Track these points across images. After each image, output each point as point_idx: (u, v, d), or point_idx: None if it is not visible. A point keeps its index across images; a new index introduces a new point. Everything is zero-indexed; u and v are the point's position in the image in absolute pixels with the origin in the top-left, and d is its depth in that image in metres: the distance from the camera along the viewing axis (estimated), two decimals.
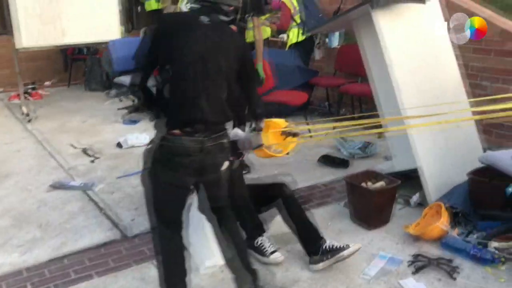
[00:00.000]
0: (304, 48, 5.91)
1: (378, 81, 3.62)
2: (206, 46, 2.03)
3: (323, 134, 4.54)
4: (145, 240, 2.96)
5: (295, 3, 5.83)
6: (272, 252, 2.70)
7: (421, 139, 3.22)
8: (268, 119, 2.75)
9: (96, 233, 3.08)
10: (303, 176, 3.96)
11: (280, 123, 2.74)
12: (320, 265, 2.62)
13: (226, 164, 2.19)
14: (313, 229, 2.74)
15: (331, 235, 3.00)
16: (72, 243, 2.96)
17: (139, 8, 8.04)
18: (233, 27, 2.33)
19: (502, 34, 4.15)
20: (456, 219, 2.99)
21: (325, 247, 2.65)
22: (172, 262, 2.22)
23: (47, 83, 7.54)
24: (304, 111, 5.18)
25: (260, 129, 2.55)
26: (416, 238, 2.90)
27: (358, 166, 4.15)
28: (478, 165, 3.23)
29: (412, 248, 2.83)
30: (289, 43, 5.93)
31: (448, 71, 3.58)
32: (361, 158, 4.34)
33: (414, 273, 2.57)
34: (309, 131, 3.14)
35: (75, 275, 2.65)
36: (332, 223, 3.18)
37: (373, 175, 3.24)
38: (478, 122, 3.75)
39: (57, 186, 3.80)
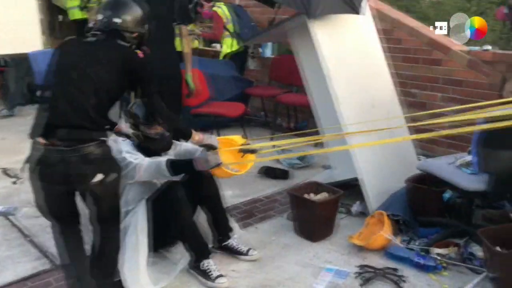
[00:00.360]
0: (239, 58, 5.85)
1: (315, 91, 3.62)
2: (77, 57, 2.13)
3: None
4: None
5: (227, 13, 5.76)
6: (218, 277, 2.58)
7: (360, 149, 3.24)
8: (225, 137, 2.75)
9: (21, 264, 2.78)
10: (244, 190, 3.86)
11: (237, 140, 2.69)
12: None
13: (98, 176, 2.08)
14: (225, 225, 2.86)
15: (276, 249, 2.94)
16: None
17: (61, 17, 7.62)
18: (139, 52, 2.32)
19: (429, 44, 4.31)
20: (397, 226, 3.02)
21: (229, 244, 2.83)
22: (67, 251, 2.25)
23: None
24: (241, 122, 5.10)
25: (213, 148, 2.49)
26: (361, 248, 2.88)
27: (298, 177, 4.13)
28: (414, 172, 3.30)
29: (357, 258, 2.81)
30: (223, 53, 5.84)
31: (383, 80, 3.64)
32: (300, 168, 4.33)
33: (361, 285, 2.54)
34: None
35: None
36: (276, 237, 3.10)
37: (315, 186, 3.21)
38: (411, 129, 3.85)
39: None
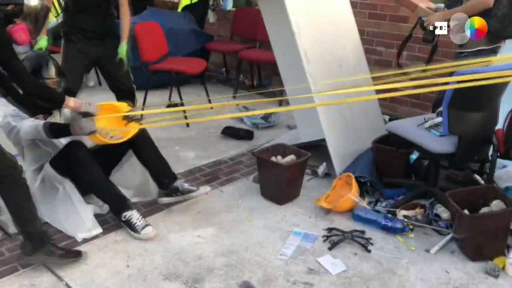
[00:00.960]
0: (197, 10, 5.57)
1: (281, 48, 3.46)
2: None
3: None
4: None
5: None
6: (144, 227, 2.58)
7: (327, 110, 3.16)
8: (108, 103, 2.72)
9: None
10: (208, 151, 3.74)
11: (121, 106, 2.67)
12: (167, 199, 2.76)
13: None
14: (166, 168, 2.86)
15: (243, 213, 2.87)
16: None
17: None
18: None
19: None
20: (363, 188, 3.01)
21: (176, 186, 2.82)
22: None
23: None
24: (201, 79, 4.90)
25: (91, 115, 2.50)
26: (328, 211, 2.86)
27: (262, 137, 4.04)
28: (380, 133, 3.27)
29: (325, 221, 2.78)
30: (181, 5, 5.54)
31: (351, 38, 3.53)
32: (264, 128, 4.23)
33: (330, 248, 2.52)
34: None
35: None
36: (242, 200, 3.02)
37: (282, 149, 3.12)
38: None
39: None
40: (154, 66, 4.37)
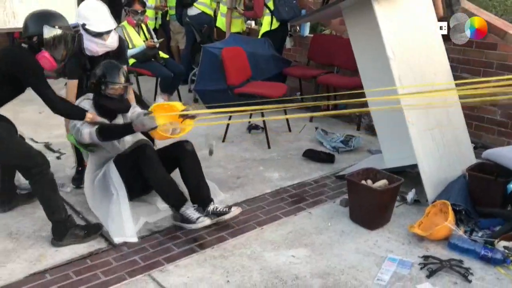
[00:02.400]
0: (277, 36, 5.70)
1: (371, 74, 3.48)
2: None
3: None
4: (135, 248, 2.70)
5: None
6: (198, 218, 2.81)
7: (420, 136, 3.14)
8: (164, 103, 3.05)
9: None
10: (291, 173, 3.80)
11: (177, 106, 2.96)
12: (206, 222, 2.82)
13: None
14: (205, 191, 3.02)
15: (334, 236, 2.87)
16: (51, 254, 2.63)
17: None
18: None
19: None
20: (457, 216, 2.94)
21: (210, 209, 2.93)
22: None
23: None
24: (280, 102, 4.98)
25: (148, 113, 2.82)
26: (420, 238, 2.81)
27: (343, 161, 4.05)
28: (469, 160, 3.19)
29: (419, 249, 2.74)
30: (261, 31, 5.71)
31: (440, 64, 3.50)
32: (345, 152, 4.23)
33: (428, 276, 2.48)
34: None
35: None
36: (331, 223, 3.03)
37: (373, 173, 3.12)
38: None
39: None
40: (239, 89, 4.51)
